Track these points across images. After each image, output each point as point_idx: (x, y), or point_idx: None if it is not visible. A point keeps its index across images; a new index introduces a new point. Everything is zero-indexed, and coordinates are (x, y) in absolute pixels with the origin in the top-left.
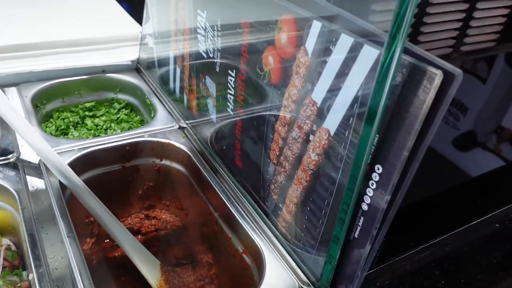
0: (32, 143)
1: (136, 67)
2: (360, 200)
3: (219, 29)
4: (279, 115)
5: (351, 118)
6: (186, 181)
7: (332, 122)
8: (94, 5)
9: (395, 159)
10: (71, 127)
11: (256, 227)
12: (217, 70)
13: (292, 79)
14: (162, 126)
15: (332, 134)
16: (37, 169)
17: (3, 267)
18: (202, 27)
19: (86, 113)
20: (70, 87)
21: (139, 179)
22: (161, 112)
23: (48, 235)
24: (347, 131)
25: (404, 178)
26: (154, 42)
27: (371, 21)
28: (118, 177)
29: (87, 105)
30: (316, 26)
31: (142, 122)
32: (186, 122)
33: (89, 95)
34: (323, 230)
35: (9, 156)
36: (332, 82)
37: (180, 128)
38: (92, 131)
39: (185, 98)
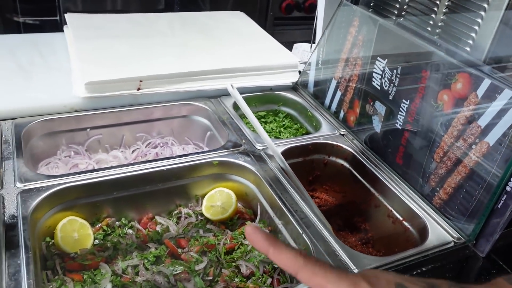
0: (265, 138)
1: (294, 87)
2: (505, 184)
3: (399, 72)
4: (447, 131)
5: (507, 137)
6: (348, 172)
7: (492, 137)
8: (256, 37)
9: None
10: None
11: (415, 202)
12: (390, 99)
13: (462, 111)
14: (328, 132)
15: (491, 145)
16: (260, 157)
17: (244, 219)
18: (379, 68)
19: (261, 119)
20: (249, 100)
21: (311, 169)
22: (323, 122)
23: (286, 198)
24: (502, 144)
25: None
26: (314, 69)
27: None
28: (299, 167)
29: (260, 113)
30: (486, 83)
31: (301, 129)
32: (347, 130)
33: (260, 106)
34: (474, 205)
35: (240, 148)
36: (495, 115)
37: (340, 134)
38: (271, 133)
39: (342, 113)
